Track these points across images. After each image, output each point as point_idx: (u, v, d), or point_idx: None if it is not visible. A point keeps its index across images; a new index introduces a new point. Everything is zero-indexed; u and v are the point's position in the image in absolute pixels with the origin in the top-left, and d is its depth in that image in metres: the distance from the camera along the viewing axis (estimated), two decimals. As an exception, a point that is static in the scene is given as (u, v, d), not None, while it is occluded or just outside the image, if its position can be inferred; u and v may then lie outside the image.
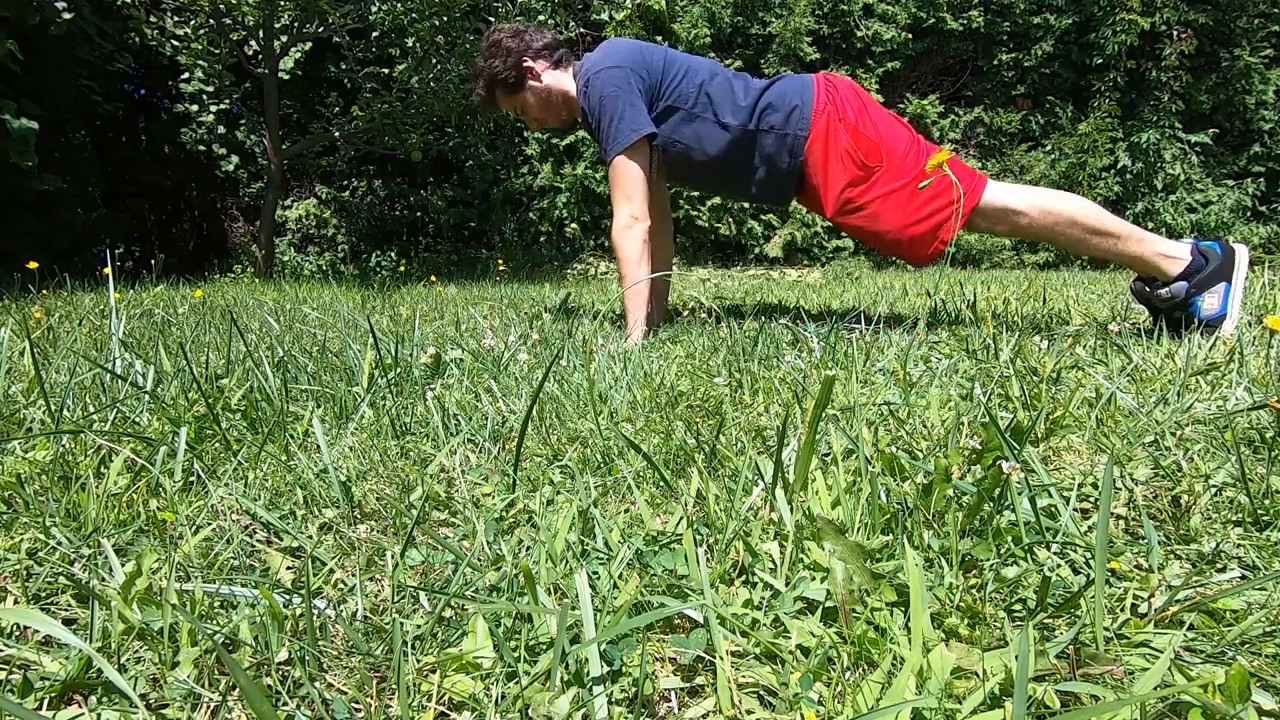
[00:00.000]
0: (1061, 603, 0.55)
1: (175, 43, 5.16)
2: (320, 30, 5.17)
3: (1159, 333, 1.53)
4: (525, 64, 1.94)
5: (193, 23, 5.02)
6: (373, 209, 7.48)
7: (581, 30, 6.71)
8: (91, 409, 1.07)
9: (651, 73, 1.86)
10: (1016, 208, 1.68)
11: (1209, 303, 1.59)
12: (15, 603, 0.60)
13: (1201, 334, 1.58)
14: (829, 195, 1.82)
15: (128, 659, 0.54)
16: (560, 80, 1.98)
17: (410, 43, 5.26)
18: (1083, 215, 1.65)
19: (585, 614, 0.52)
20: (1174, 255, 1.62)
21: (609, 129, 1.83)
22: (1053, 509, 0.69)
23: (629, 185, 1.83)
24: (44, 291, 3.14)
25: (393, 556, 0.66)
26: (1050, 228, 1.68)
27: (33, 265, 2.48)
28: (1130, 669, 0.49)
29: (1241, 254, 1.60)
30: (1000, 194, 1.70)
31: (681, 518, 0.71)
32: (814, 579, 0.59)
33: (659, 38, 6.92)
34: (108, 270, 2.34)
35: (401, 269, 6.60)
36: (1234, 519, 0.69)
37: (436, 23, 4.97)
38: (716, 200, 6.78)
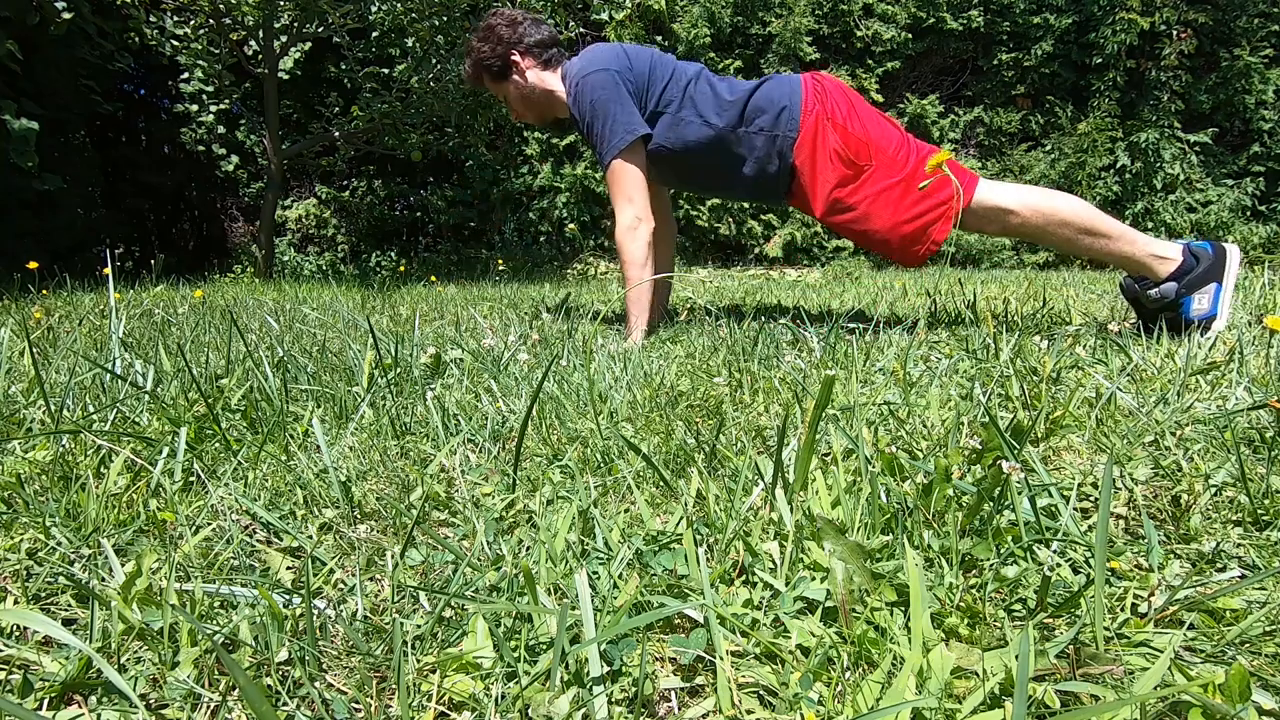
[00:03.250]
0: (1061, 602, 0.55)
1: (175, 43, 5.16)
2: (320, 30, 5.17)
3: (1159, 333, 1.53)
4: (512, 57, 1.94)
5: (193, 23, 5.02)
6: (373, 209, 7.48)
7: (581, 30, 6.71)
8: (91, 409, 1.07)
9: (638, 76, 1.85)
10: (1008, 206, 1.68)
11: (1199, 303, 1.58)
12: (15, 603, 0.60)
13: (1188, 335, 1.58)
14: (818, 195, 1.81)
15: (128, 659, 0.54)
16: (546, 80, 1.97)
17: (410, 43, 5.25)
18: (1074, 215, 1.64)
19: (585, 614, 0.52)
20: (1166, 256, 1.61)
21: (602, 132, 1.82)
22: (1053, 509, 0.69)
23: (629, 186, 1.83)
24: (44, 291, 3.15)
25: (393, 556, 0.66)
26: (1042, 227, 1.67)
27: (33, 265, 2.48)
28: (1130, 669, 0.49)
29: (1233, 255, 1.59)
30: (991, 193, 1.70)
31: (681, 518, 0.71)
32: (814, 579, 0.59)
33: (659, 38, 6.93)
34: (108, 270, 2.34)
35: (401, 269, 6.60)
36: (1234, 519, 0.69)
37: (436, 23, 4.97)
38: (716, 200, 6.79)
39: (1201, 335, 1.55)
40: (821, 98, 1.80)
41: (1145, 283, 1.64)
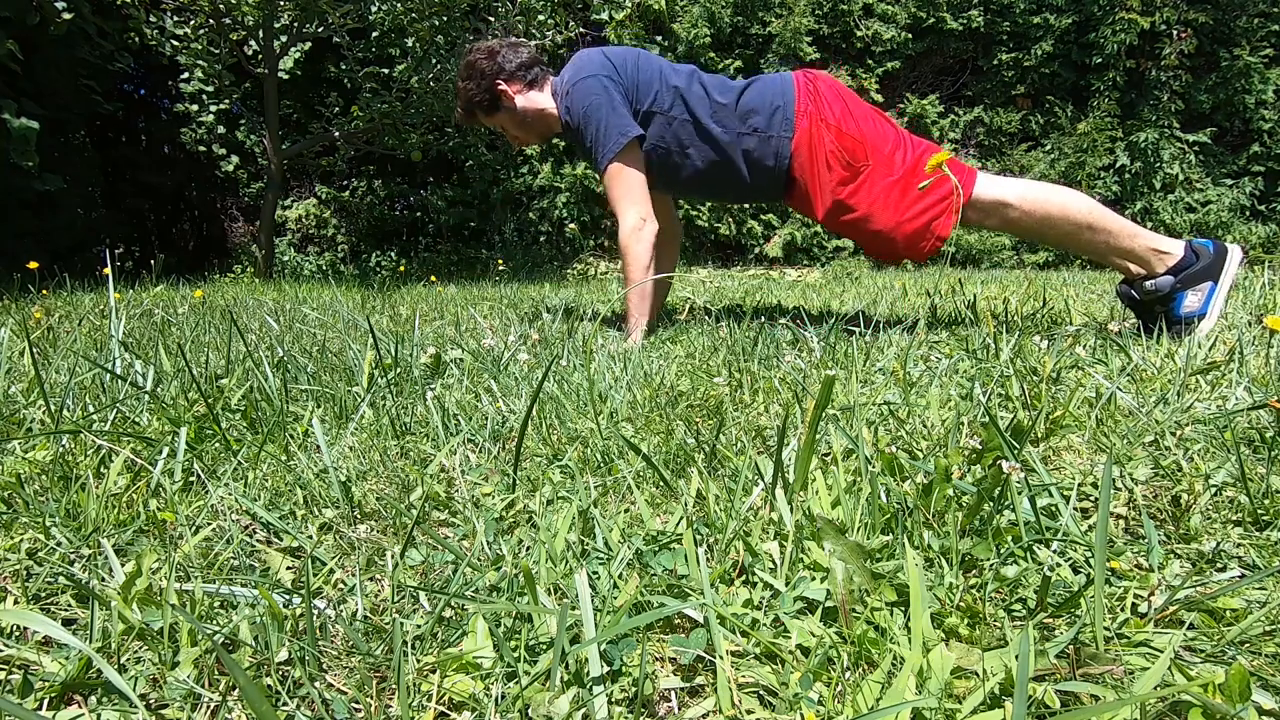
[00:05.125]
0: (1061, 602, 0.55)
1: (175, 43, 5.16)
2: (320, 30, 5.17)
3: (1159, 333, 1.53)
4: (499, 87, 1.94)
5: (193, 23, 5.02)
6: (373, 209, 7.48)
7: (581, 30, 6.71)
8: (91, 409, 1.07)
9: (627, 79, 1.84)
10: (1008, 200, 1.67)
11: (1191, 300, 1.58)
12: (15, 603, 0.60)
13: (1173, 334, 1.57)
14: (819, 199, 1.80)
15: (128, 659, 0.54)
16: (535, 100, 1.97)
17: (410, 43, 5.25)
18: (1075, 209, 1.63)
19: (585, 614, 0.52)
20: (1167, 251, 1.60)
21: (597, 137, 1.81)
22: (1053, 509, 0.69)
23: (629, 188, 1.81)
24: (44, 291, 3.15)
25: (393, 556, 0.66)
26: (1041, 221, 1.66)
27: (33, 265, 2.48)
28: (1130, 668, 0.49)
29: (1234, 255, 1.58)
30: (991, 187, 1.69)
31: (681, 517, 0.71)
32: (814, 579, 0.59)
33: (659, 38, 6.93)
34: (108, 270, 2.34)
35: (401, 269, 6.60)
36: (1234, 518, 0.69)
37: (436, 23, 4.97)
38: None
39: (1187, 334, 1.55)
40: (814, 97, 1.79)
41: (1142, 276, 1.64)
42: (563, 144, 6.94)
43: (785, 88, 1.81)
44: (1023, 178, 7.19)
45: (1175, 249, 1.60)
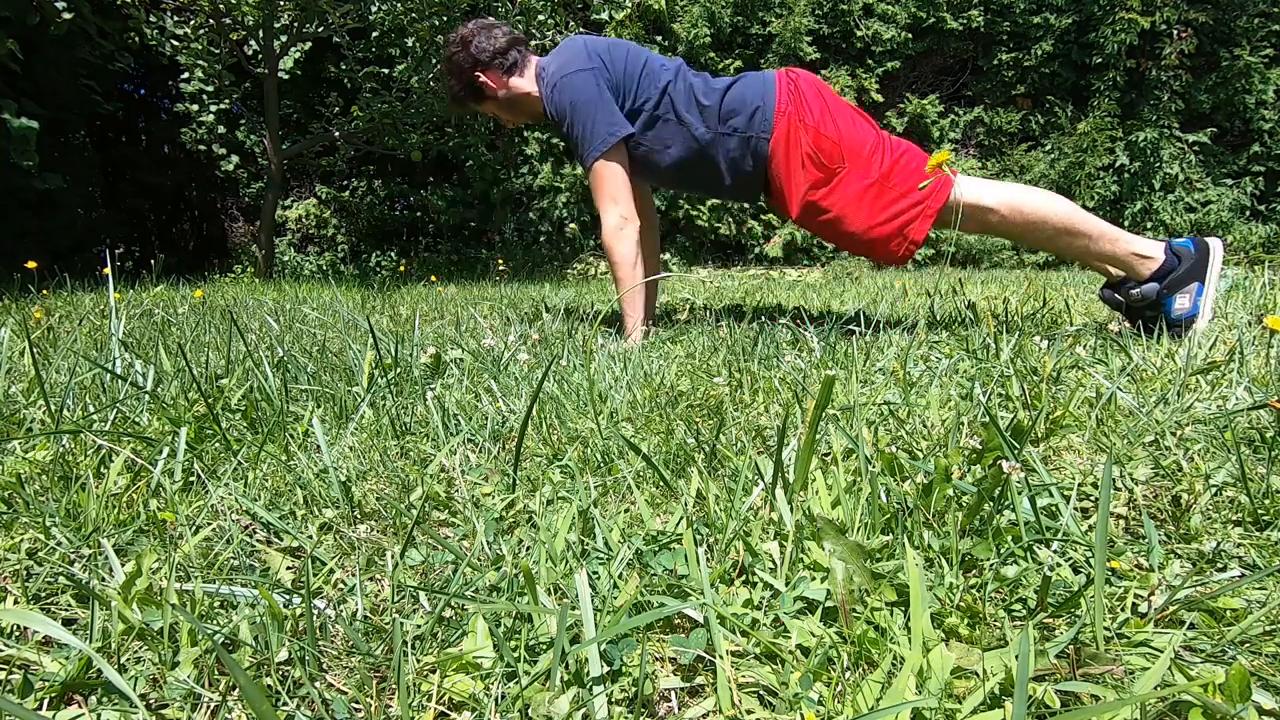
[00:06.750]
0: (1061, 602, 0.55)
1: (175, 43, 5.16)
2: (320, 30, 5.17)
3: (1159, 333, 1.53)
4: (478, 79, 1.96)
5: (193, 23, 5.02)
6: (373, 209, 7.48)
7: (581, 30, 6.71)
8: (91, 409, 1.07)
9: (615, 73, 1.84)
10: (987, 205, 1.66)
11: (1180, 303, 1.58)
12: (15, 603, 0.60)
13: (1172, 335, 1.58)
14: (793, 198, 1.80)
15: (128, 659, 0.54)
16: (516, 85, 1.97)
17: (410, 43, 5.26)
18: (1055, 214, 1.63)
19: (585, 614, 0.52)
20: (1148, 255, 1.60)
21: (584, 133, 1.80)
22: (1053, 508, 0.69)
23: (613, 187, 1.81)
24: (44, 291, 3.15)
25: (393, 556, 0.66)
26: (1021, 226, 1.66)
27: (33, 265, 2.48)
28: (1130, 668, 0.49)
29: (1215, 250, 1.57)
30: (970, 192, 1.67)
31: (681, 517, 0.71)
32: (814, 579, 0.59)
33: (659, 37, 6.93)
34: (108, 270, 2.34)
35: (401, 269, 6.60)
36: (1234, 518, 0.69)
37: (436, 23, 4.97)
38: (716, 200, 6.79)
39: (1184, 334, 1.55)
40: (794, 97, 1.78)
41: (1128, 283, 1.64)
42: (563, 145, 6.94)
43: (766, 88, 1.81)
44: (1022, 179, 7.16)
45: (1156, 252, 1.60)
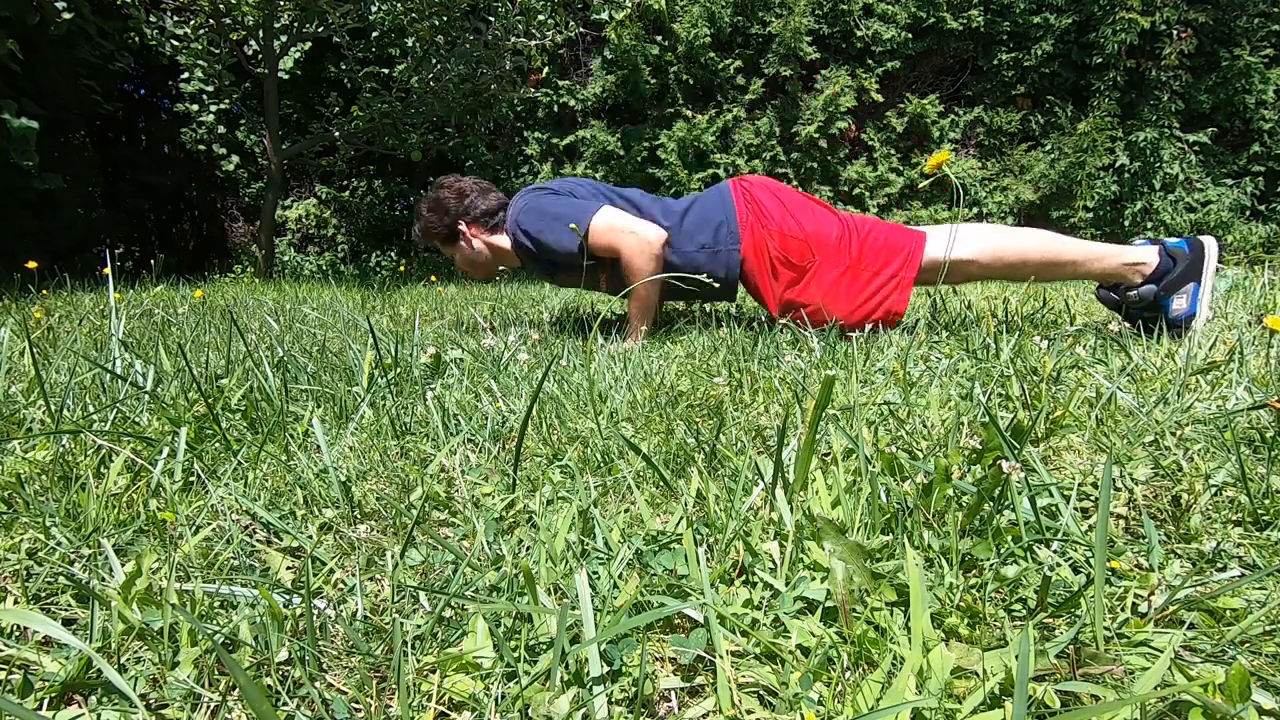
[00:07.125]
0: (1061, 602, 0.55)
1: (175, 43, 5.16)
2: (320, 30, 5.17)
3: (1159, 332, 1.53)
4: (459, 227, 2.04)
5: (193, 22, 5.02)
6: (373, 209, 7.48)
7: (581, 30, 6.71)
8: (91, 409, 1.07)
9: (581, 195, 1.87)
10: (963, 257, 1.67)
11: (1178, 304, 1.58)
12: (15, 603, 0.60)
13: (1172, 335, 1.58)
14: (770, 300, 1.84)
15: (128, 659, 0.54)
16: (492, 241, 2.05)
17: (410, 43, 5.25)
18: (1034, 251, 1.63)
19: (585, 614, 0.52)
20: (1140, 262, 1.60)
21: (567, 213, 1.79)
22: (1053, 508, 0.69)
23: (620, 220, 1.77)
24: (44, 291, 3.15)
25: (393, 556, 0.66)
26: (1004, 269, 1.67)
27: (33, 265, 2.48)
28: (1130, 668, 0.49)
29: (1210, 249, 1.56)
30: (942, 248, 1.68)
31: (681, 517, 0.71)
32: (814, 579, 0.59)
33: (659, 37, 6.92)
34: (108, 270, 2.34)
35: (401, 269, 6.60)
36: (1234, 518, 0.69)
37: (436, 23, 4.97)
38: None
39: (1184, 334, 1.55)
40: (753, 206, 1.81)
41: (1124, 286, 1.64)
42: (563, 144, 6.94)
43: (725, 201, 1.84)
44: (1022, 179, 7.11)
45: (1148, 257, 1.59)
